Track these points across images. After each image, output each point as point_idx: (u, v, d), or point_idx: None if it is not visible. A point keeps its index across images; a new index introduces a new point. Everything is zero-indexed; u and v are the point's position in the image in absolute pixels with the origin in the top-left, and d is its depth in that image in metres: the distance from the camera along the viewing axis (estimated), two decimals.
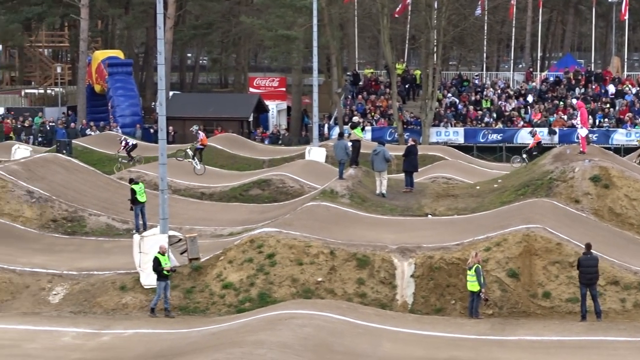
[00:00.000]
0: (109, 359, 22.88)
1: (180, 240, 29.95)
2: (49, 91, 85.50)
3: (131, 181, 36.61)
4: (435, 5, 69.35)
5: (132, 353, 23.16)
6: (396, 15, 75.15)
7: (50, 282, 29.68)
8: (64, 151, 50.00)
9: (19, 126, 70.82)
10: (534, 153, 47.35)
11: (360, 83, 77.22)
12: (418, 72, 75.34)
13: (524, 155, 49.55)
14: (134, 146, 55.70)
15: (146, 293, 28.68)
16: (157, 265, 27.54)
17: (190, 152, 50.36)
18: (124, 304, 28.47)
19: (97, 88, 77.26)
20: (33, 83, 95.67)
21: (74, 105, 79.81)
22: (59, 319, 27.15)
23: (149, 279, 28.83)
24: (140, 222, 35.22)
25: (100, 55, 78.44)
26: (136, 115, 73.32)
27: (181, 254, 29.10)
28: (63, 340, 24.46)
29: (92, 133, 68.62)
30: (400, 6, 74.64)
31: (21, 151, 53.31)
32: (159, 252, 27.80)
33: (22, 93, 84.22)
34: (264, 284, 28.55)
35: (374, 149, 40.57)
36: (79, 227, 37.52)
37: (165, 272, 27.53)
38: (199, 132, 53.08)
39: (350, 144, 42.50)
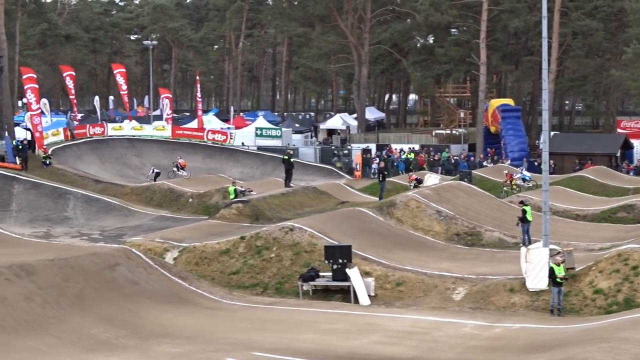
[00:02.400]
0: (500, 346, 22.74)
1: (559, 252, 29.40)
2: (454, 132, 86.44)
3: (522, 203, 36.36)
4: None
5: (520, 343, 22.92)
6: None
7: (453, 284, 29.91)
8: (465, 179, 50.33)
9: (430, 159, 72.04)
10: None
11: None
12: None
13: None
14: (158, 174, 59.48)
15: (530, 295, 28.33)
16: (551, 274, 27.25)
17: None
18: (513, 303, 28.26)
19: (492, 129, 77.39)
20: (441, 125, 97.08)
21: (473, 143, 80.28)
22: (460, 313, 27.30)
23: (533, 283, 28.51)
24: (526, 237, 34.95)
25: (495, 103, 78.57)
26: (523, 151, 72.67)
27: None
28: (463, 330, 24.55)
29: (488, 165, 68.77)
30: None
31: (432, 179, 54.15)
32: (554, 263, 27.45)
33: (433, 133, 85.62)
34: (629, 291, 27.50)
35: None
36: (477, 240, 37.64)
37: (558, 280, 27.16)
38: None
39: None
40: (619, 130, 79.73)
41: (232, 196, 47.21)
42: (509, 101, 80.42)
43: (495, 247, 36.57)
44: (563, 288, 27.32)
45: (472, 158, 72.78)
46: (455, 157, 72.52)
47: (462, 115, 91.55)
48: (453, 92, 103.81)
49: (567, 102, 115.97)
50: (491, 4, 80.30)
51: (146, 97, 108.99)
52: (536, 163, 67.24)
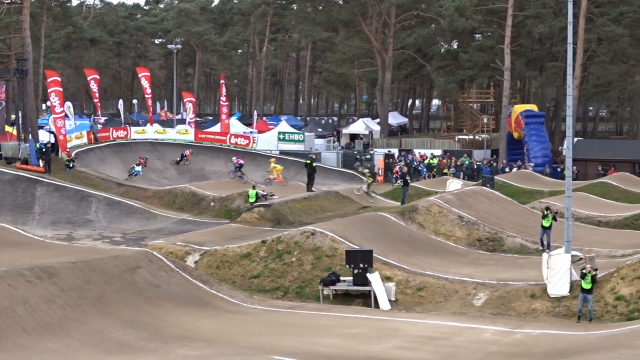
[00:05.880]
0: (520, 352, 22.69)
1: (580, 259, 29.34)
2: (476, 137, 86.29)
3: (548, 209, 36.18)
4: None
5: (539, 349, 22.87)
6: None
7: (474, 289, 29.88)
8: (488, 185, 50.24)
9: (453, 164, 71.90)
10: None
11: None
12: None
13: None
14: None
15: (552, 301, 28.27)
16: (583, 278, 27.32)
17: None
18: (533, 309, 28.20)
19: (515, 135, 77.17)
20: (464, 130, 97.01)
21: (496, 148, 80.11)
22: (481, 318, 27.27)
23: (554, 289, 28.45)
24: (545, 242, 35.12)
25: (519, 108, 78.31)
26: (546, 157, 72.36)
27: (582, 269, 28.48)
28: (484, 335, 24.51)
29: (510, 171, 68.64)
30: None
31: (454, 184, 54.12)
32: (587, 272, 27.25)
33: (456, 138, 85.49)
34: None
35: None
36: (499, 246, 37.59)
37: (583, 287, 27.10)
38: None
39: None
40: None
41: (252, 199, 47.48)
42: (533, 107, 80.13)
43: (516, 253, 36.52)
44: (591, 295, 27.14)
45: (494, 164, 72.63)
46: (477, 163, 72.37)
47: (485, 120, 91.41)
48: (476, 97, 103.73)
49: (591, 108, 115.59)
50: (516, 9, 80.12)
51: (166, 101, 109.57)
52: (559, 169, 67.03)
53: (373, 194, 52.92)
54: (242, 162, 62.10)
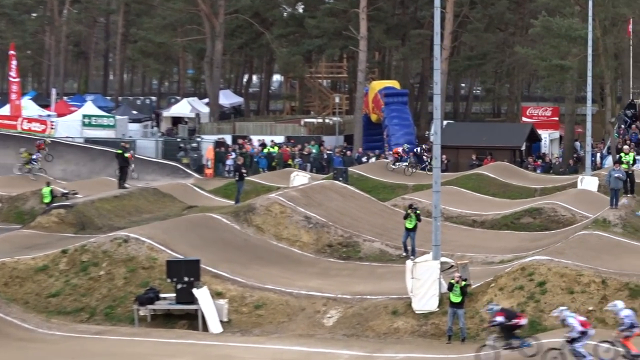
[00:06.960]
0: None
1: (452, 266, 29.85)
2: (327, 120, 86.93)
3: (411, 207, 36.64)
4: None
5: None
6: None
7: (325, 305, 30.06)
8: (340, 178, 50.68)
9: (298, 154, 72.15)
10: None
11: (632, 111, 75.33)
12: None
13: None
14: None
15: (417, 318, 28.70)
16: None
17: None
18: (396, 329, 28.55)
19: (373, 117, 78.12)
20: (312, 112, 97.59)
21: (350, 134, 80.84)
22: (332, 341, 27.46)
23: (420, 304, 28.84)
24: (409, 247, 35.54)
25: (377, 85, 79.30)
26: (410, 143, 73.52)
27: None
28: None
29: (367, 161, 69.32)
30: None
31: (300, 178, 54.36)
32: (455, 282, 27.64)
33: (302, 122, 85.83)
34: (534, 312, 28.13)
35: None
36: (354, 252, 37.93)
37: (452, 301, 27.50)
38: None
39: (624, 173, 41.50)
40: (524, 119, 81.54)
41: (46, 200, 46.86)
42: (394, 83, 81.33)
43: (375, 261, 36.92)
44: (462, 310, 27.58)
45: (348, 152, 73.21)
46: (328, 152, 72.85)
47: (337, 100, 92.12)
48: (326, 72, 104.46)
49: (463, 85, 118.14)
50: None
51: None
52: (425, 157, 68.02)
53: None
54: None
